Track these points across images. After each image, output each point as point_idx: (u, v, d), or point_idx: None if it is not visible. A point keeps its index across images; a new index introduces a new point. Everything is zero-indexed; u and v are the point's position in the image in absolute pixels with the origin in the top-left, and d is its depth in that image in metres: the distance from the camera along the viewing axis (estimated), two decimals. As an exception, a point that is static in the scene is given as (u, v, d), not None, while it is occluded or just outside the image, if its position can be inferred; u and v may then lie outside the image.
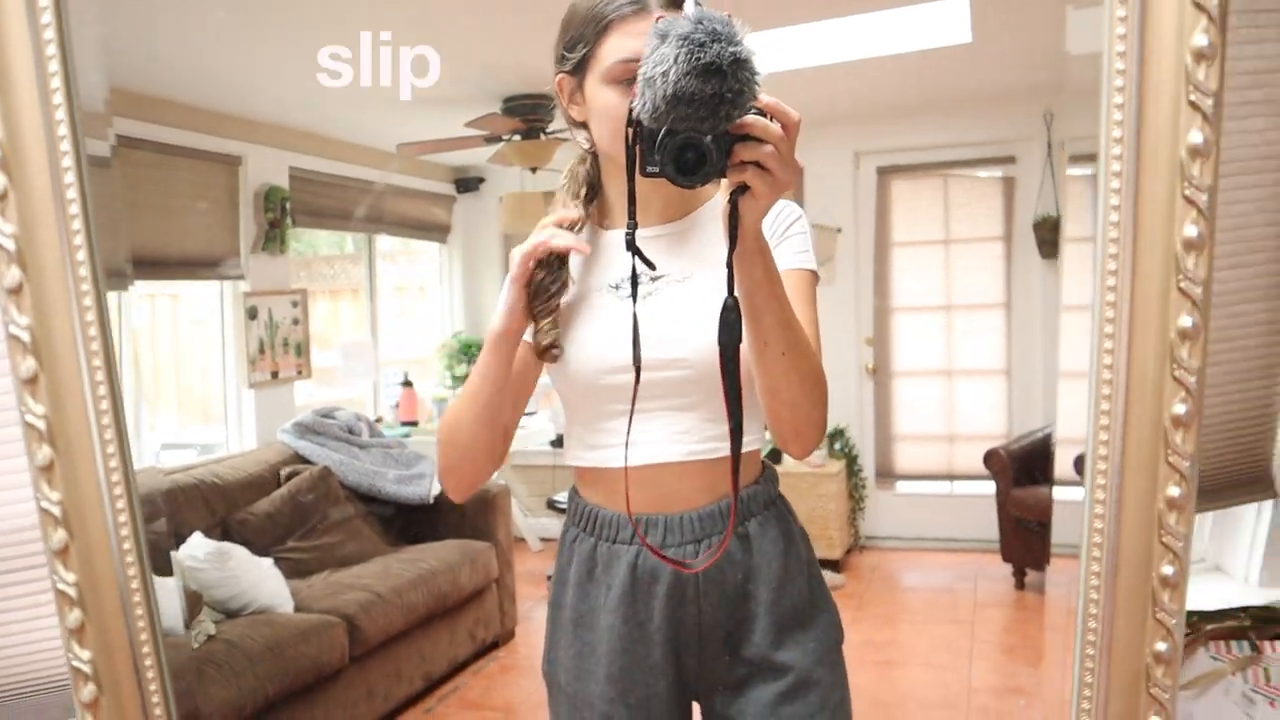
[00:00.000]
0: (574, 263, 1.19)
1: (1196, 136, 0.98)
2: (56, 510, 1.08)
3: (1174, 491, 1.04)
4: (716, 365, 0.97)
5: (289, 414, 3.99)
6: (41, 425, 1.04)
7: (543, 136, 3.94)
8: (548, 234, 1.10)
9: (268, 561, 3.06)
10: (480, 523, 3.70)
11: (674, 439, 1.15)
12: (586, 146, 1.20)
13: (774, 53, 3.34)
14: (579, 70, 1.12)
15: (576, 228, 1.17)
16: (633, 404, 1.05)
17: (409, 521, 3.72)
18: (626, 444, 1.08)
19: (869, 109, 4.43)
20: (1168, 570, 1.06)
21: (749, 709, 1.18)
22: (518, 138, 3.97)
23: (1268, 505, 2.38)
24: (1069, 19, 1.14)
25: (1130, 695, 1.09)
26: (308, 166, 4.31)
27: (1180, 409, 1.04)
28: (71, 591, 1.10)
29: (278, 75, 3.46)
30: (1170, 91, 0.99)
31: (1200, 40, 0.98)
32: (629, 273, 1.09)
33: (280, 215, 4.05)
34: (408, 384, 4.92)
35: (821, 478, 4.26)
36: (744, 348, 1.00)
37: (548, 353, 1.16)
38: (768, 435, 1.16)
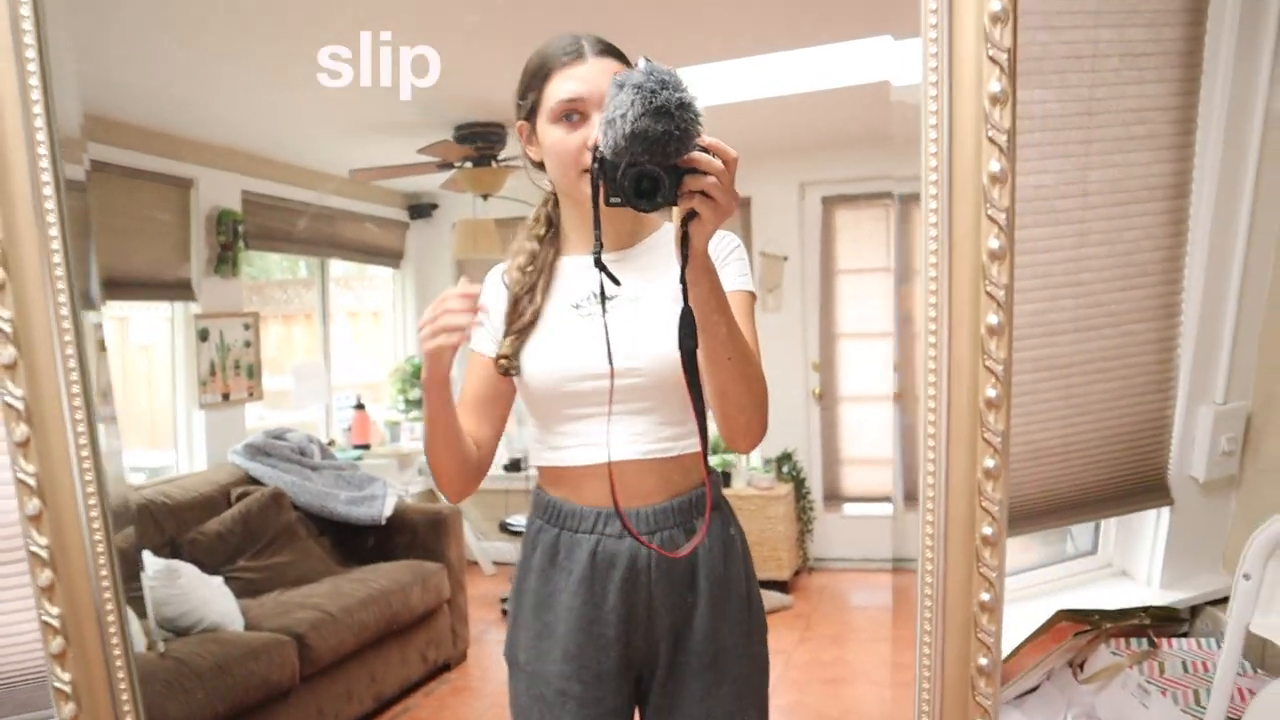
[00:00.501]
0: (537, 285, 1.40)
1: (995, 165, 1.16)
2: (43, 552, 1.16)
3: (987, 530, 1.22)
4: (667, 374, 1.21)
5: (240, 436, 4.03)
6: (21, 419, 1.11)
7: (494, 164, 4.04)
8: (443, 321, 1.23)
9: (217, 580, 3.10)
10: (432, 544, 3.76)
11: (632, 440, 1.33)
12: (546, 187, 1.42)
13: (723, 86, 3.49)
14: (531, 115, 1.35)
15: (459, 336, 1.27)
16: (610, 402, 1.24)
17: (361, 542, 3.76)
18: (608, 442, 1.27)
19: (814, 140, 4.58)
20: (985, 596, 1.23)
21: (683, 688, 1.35)
22: (469, 165, 4.07)
23: (1166, 512, 2.54)
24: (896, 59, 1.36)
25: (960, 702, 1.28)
26: (260, 190, 4.37)
27: (990, 462, 1.21)
28: (55, 622, 1.18)
29: (232, 98, 3.53)
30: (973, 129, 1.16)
31: (995, 87, 1.15)
32: (587, 293, 1.33)
33: (232, 238, 4.11)
34: (360, 407, 4.98)
35: (770, 500, 4.38)
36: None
37: (507, 369, 1.37)
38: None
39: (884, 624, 4.20)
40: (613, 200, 1.10)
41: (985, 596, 1.28)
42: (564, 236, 1.43)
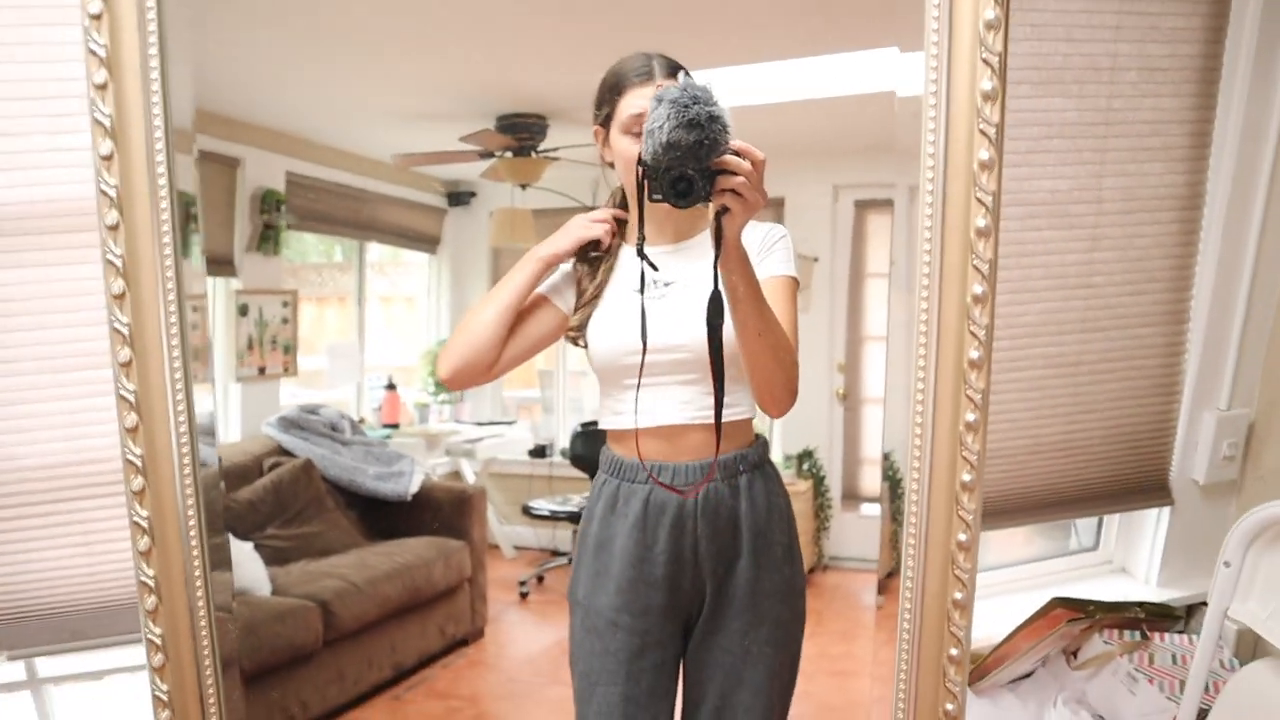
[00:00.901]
0: (604, 269, 1.64)
1: (984, 154, 1.31)
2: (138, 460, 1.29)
3: (961, 536, 1.40)
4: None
5: (274, 409, 4.17)
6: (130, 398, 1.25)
7: (533, 155, 4.15)
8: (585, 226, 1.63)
9: (248, 546, 3.23)
10: (456, 522, 3.88)
11: (680, 406, 1.55)
12: (618, 184, 1.64)
13: (760, 88, 3.59)
14: (606, 123, 1.58)
15: (605, 240, 1.63)
16: (639, 376, 1.44)
17: (386, 517, 3.88)
18: (636, 410, 1.49)
19: (849, 144, 4.64)
20: (958, 595, 1.41)
21: (723, 625, 1.56)
22: (509, 154, 4.18)
23: (1166, 513, 2.61)
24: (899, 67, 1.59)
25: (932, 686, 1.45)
26: (304, 171, 4.51)
27: (966, 476, 1.36)
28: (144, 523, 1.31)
29: (279, 83, 3.66)
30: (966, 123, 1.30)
31: (986, 85, 1.31)
32: (650, 279, 1.52)
33: (275, 217, 4.24)
34: (391, 387, 5.11)
35: (790, 496, 4.45)
36: (732, 334, 1.39)
37: (575, 339, 1.61)
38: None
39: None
40: (654, 198, 1.28)
41: (959, 595, 1.44)
42: (629, 228, 1.63)
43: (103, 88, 1.21)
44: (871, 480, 4.92)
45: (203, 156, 3.92)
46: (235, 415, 4.14)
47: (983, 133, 1.34)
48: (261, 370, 4.27)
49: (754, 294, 1.38)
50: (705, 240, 1.56)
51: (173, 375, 1.30)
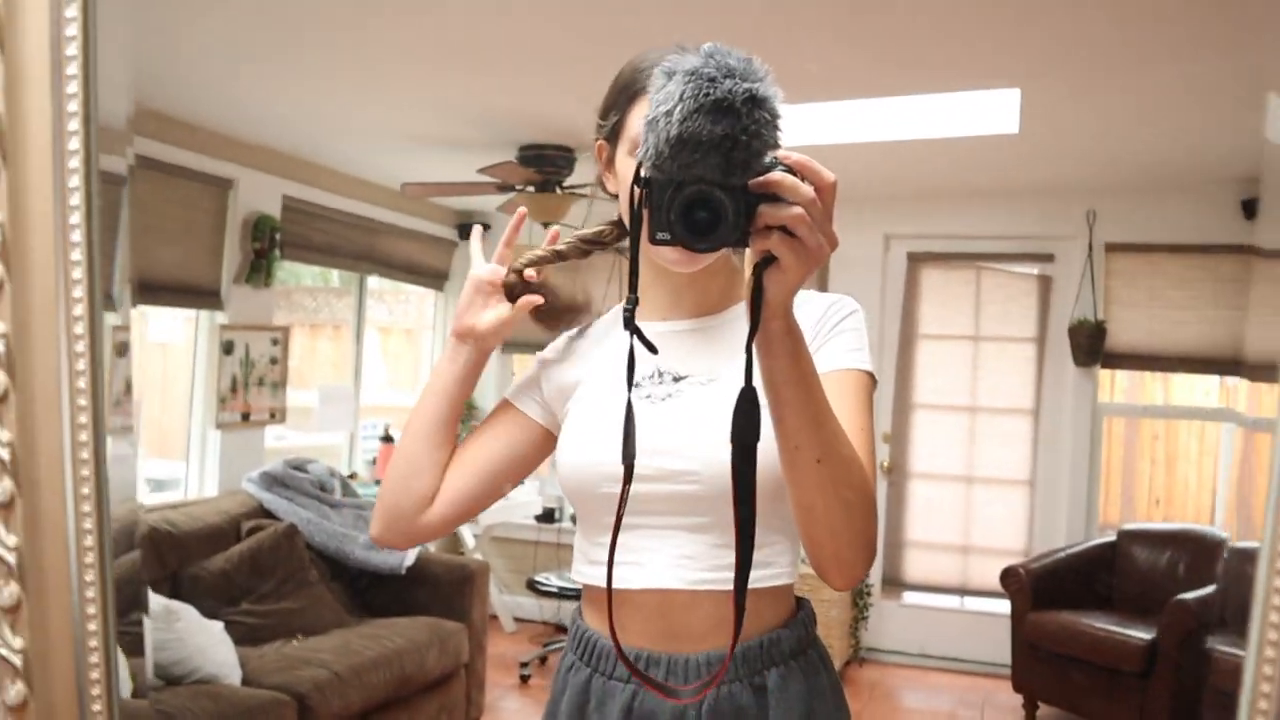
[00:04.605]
0: (596, 355, 1.16)
1: None
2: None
3: None
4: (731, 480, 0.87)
5: (257, 461, 3.95)
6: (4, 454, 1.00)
7: (558, 190, 3.95)
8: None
9: (218, 625, 2.99)
10: (454, 600, 3.64)
11: (680, 562, 1.06)
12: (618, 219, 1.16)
13: (809, 126, 3.38)
14: (613, 138, 1.10)
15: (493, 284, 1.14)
16: (620, 508, 0.92)
17: (377, 592, 3.66)
18: (610, 561, 0.94)
19: (903, 191, 4.46)
20: None
21: None
22: (531, 189, 3.98)
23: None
24: (1270, 107, 1.08)
25: None
26: (302, 196, 4.31)
27: None
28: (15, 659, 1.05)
29: (280, 96, 3.47)
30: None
31: None
32: (651, 369, 1.08)
33: (268, 245, 4.04)
34: (388, 439, 4.88)
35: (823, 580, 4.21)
36: (773, 455, 0.91)
37: (519, 294, 1.14)
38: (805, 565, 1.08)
39: (942, 733, 4.02)
40: (659, 237, 0.81)
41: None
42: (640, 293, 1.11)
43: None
44: (916, 565, 4.70)
45: (190, 175, 3.76)
46: (213, 465, 3.92)
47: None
48: (245, 416, 4.04)
49: (810, 395, 0.89)
50: (740, 315, 1.00)
51: (75, 434, 1.00)
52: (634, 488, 0.93)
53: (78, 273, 1.04)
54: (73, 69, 0.98)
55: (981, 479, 4.53)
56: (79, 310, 1.01)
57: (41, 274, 1.03)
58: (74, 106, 0.97)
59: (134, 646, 1.18)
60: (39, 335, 1.03)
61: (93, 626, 1.07)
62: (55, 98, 0.99)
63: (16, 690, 1.04)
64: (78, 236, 1.01)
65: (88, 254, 1.02)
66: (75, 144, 1.00)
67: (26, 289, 1.02)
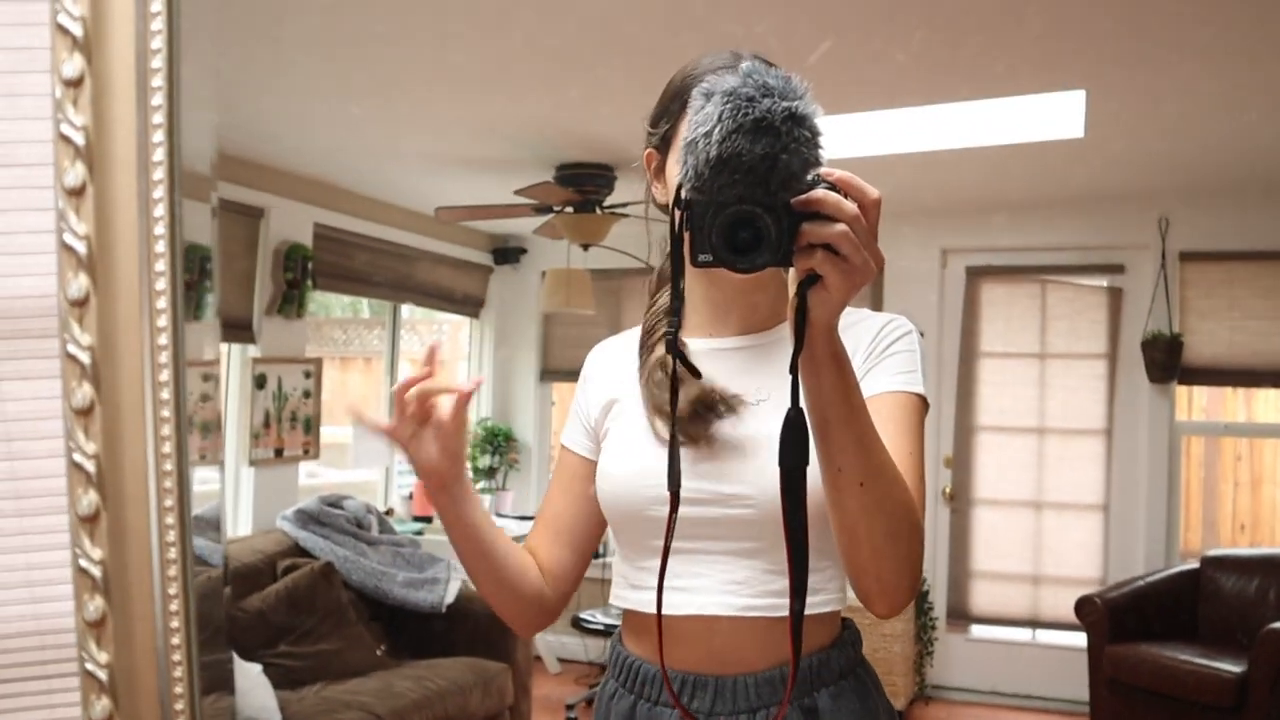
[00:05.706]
0: (634, 369, 1.16)
1: None
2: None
3: None
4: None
5: (292, 498, 3.89)
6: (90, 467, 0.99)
7: (598, 210, 3.90)
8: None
9: (256, 668, 2.93)
10: (497, 639, 3.56)
11: (728, 588, 1.07)
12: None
13: (859, 137, 3.30)
14: (664, 147, 1.13)
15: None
16: (668, 534, 0.94)
17: (417, 631, 3.58)
18: (660, 586, 0.96)
19: (960, 202, 4.37)
20: None
21: None
22: (570, 209, 3.93)
23: None
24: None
25: None
26: (334, 224, 4.29)
27: None
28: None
29: (310, 122, 3.44)
30: None
31: None
32: (701, 391, 1.07)
33: (300, 275, 4.01)
34: (424, 473, 4.82)
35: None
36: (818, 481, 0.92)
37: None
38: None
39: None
40: (701, 259, 0.84)
41: None
42: (687, 311, 1.16)
43: (75, 83, 0.93)
44: (983, 597, 4.54)
45: (221, 205, 3.72)
46: (247, 503, 3.88)
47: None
48: (279, 452, 4.00)
49: (854, 416, 0.91)
50: (787, 335, 0.99)
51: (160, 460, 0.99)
52: (682, 511, 0.95)
53: (161, 284, 1.03)
54: (158, 80, 0.96)
55: (1052, 504, 4.39)
56: (163, 321, 1.00)
57: (127, 287, 1.02)
58: (159, 119, 0.96)
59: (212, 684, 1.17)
60: (125, 348, 1.02)
61: (176, 641, 1.06)
62: (140, 109, 0.97)
63: (102, 705, 1.03)
64: (161, 247, 1.00)
65: (170, 266, 1.01)
66: (160, 155, 0.99)
67: (112, 301, 1.01)
